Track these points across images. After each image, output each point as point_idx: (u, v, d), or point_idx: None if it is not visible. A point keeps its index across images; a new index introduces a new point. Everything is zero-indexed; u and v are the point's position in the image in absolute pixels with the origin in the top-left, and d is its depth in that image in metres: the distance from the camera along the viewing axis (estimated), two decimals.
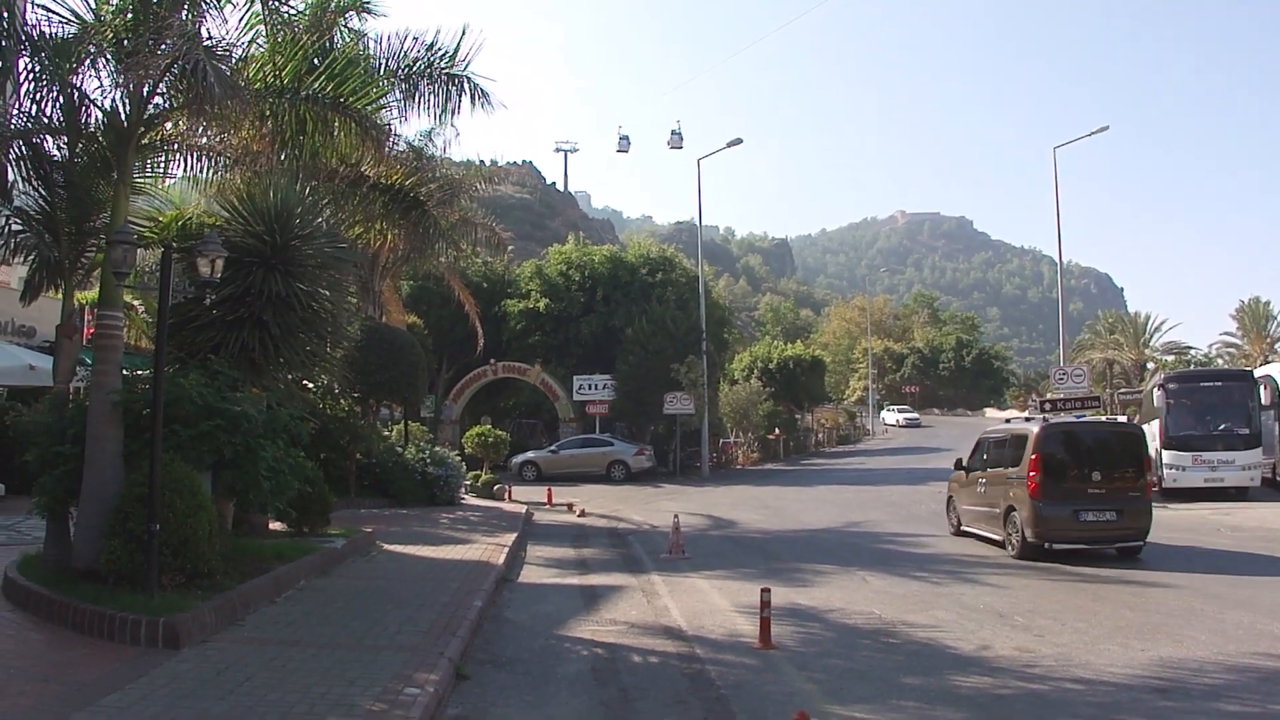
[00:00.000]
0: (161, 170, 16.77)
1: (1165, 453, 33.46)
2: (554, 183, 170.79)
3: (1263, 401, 34.09)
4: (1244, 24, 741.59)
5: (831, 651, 12.03)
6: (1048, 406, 36.13)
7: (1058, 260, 47.46)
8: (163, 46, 12.75)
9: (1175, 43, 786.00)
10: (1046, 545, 20.17)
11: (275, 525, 18.86)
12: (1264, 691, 10.04)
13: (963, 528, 24.26)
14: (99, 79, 14.64)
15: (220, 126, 15.48)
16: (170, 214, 17.21)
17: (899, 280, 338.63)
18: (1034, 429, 21.30)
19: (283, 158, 17.06)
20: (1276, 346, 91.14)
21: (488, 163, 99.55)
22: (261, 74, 15.89)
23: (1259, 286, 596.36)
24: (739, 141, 52.55)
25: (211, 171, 17.27)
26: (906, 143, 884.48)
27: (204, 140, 16.46)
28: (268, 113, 16.11)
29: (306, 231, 15.87)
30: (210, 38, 14.16)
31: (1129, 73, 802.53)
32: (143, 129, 14.37)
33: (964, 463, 24.71)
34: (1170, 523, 27.21)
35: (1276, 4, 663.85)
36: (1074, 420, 24.22)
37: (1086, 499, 20.20)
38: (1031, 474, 20.32)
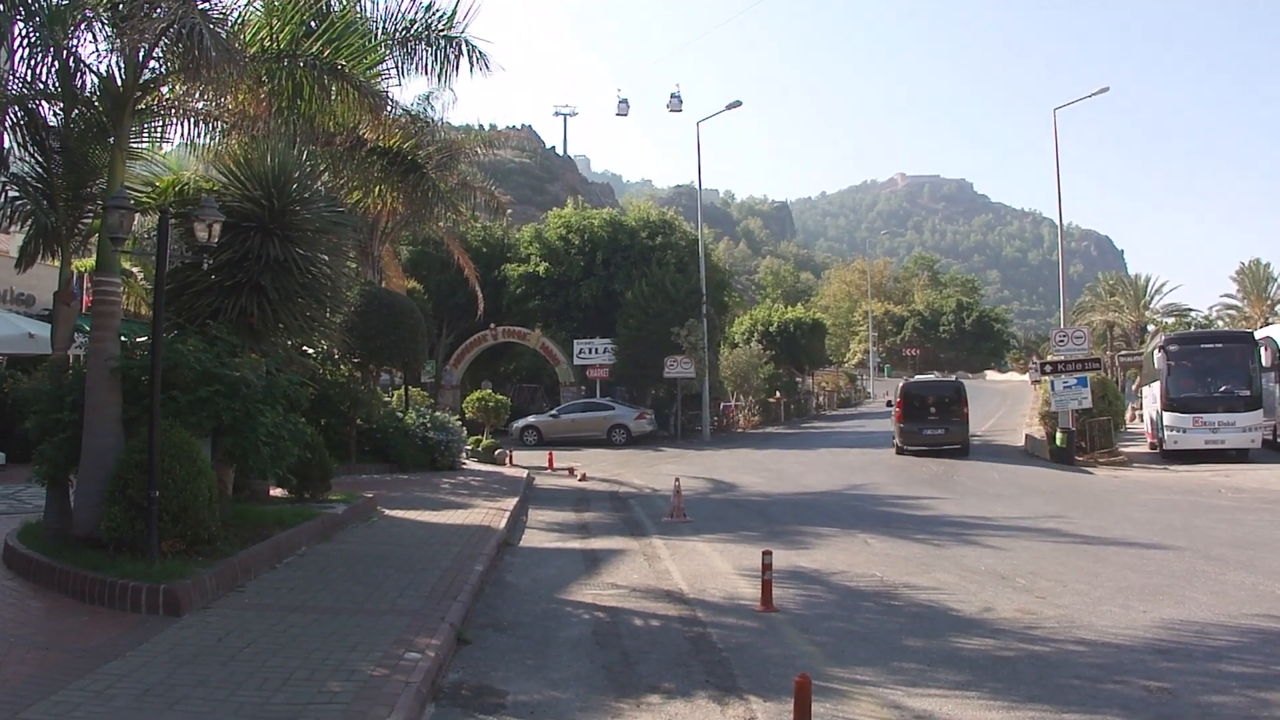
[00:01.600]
0: (158, 135, 16.62)
1: (1166, 414, 33.60)
2: (553, 146, 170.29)
3: (1263, 363, 34.16)
4: None
5: (833, 614, 12.02)
6: (1048, 369, 36.33)
7: (1058, 223, 47.45)
8: (158, 10, 12.64)
9: (1177, 6, 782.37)
10: (904, 448, 37.67)
11: (276, 491, 18.82)
12: (1265, 653, 10.03)
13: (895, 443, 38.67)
14: (94, 43, 14.57)
15: (217, 91, 15.33)
16: (167, 179, 17.09)
17: (899, 243, 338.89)
18: (899, 385, 40.95)
19: (280, 122, 16.93)
20: (1277, 308, 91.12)
21: (487, 127, 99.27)
22: (258, 38, 15.77)
23: (1259, 248, 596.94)
24: (738, 104, 52.45)
25: (208, 136, 17.14)
26: (907, 105, 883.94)
27: (200, 105, 16.32)
28: (264, 77, 15.99)
29: (304, 196, 15.78)
30: (206, 0, 14.05)
31: (1130, 35, 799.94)
32: (139, 94, 14.27)
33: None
34: (1171, 484, 27.34)
35: None
36: (923, 379, 44.24)
37: (926, 421, 37.54)
38: (898, 409, 38.26)
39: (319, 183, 17.67)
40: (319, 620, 10.34)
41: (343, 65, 16.15)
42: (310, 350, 23.20)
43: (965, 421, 37.33)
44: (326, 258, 16.43)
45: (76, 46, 14.43)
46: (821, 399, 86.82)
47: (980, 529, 19.15)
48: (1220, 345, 36.02)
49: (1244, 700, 8.52)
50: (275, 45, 15.79)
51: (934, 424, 37.32)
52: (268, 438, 13.66)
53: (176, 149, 18.72)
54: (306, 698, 7.83)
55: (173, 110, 16.08)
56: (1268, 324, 68.03)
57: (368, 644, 9.39)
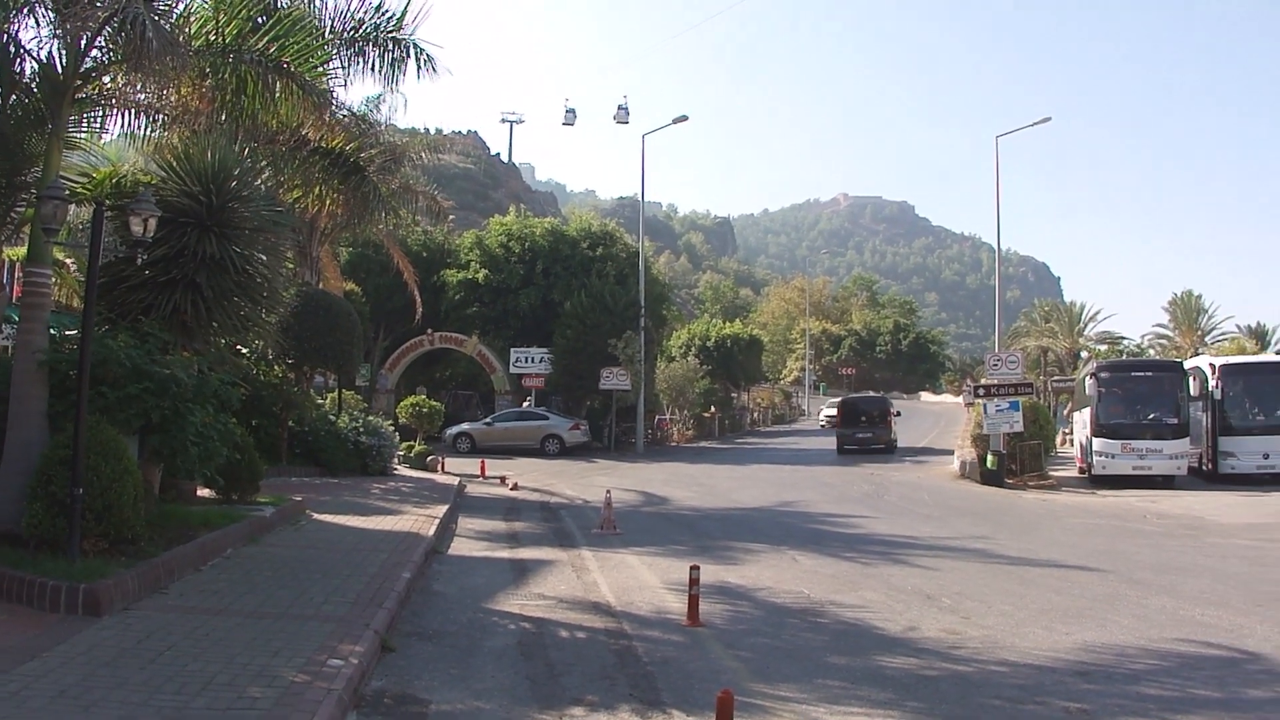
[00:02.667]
0: (97, 126, 16.42)
1: (1095, 440, 34.08)
2: (498, 153, 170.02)
3: (1191, 392, 34.74)
4: (1184, 21, 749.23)
5: (759, 630, 12.03)
6: (981, 392, 36.66)
7: (996, 248, 47.74)
8: None
9: (1118, 38, 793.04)
10: (843, 447, 48.96)
11: (203, 492, 18.62)
12: (1183, 676, 10.12)
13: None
14: (36, 28, 14.35)
15: (159, 83, 15.16)
16: (104, 171, 16.92)
17: (839, 262, 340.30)
18: (838, 400, 61.54)
19: (222, 118, 16.76)
20: (1207, 339, 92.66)
21: (433, 131, 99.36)
22: (203, 31, 15.61)
23: (1191, 280, 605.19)
24: (684, 119, 52.68)
25: (149, 129, 16.92)
26: (851, 127, 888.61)
27: (142, 97, 16.13)
28: (208, 71, 15.83)
29: (244, 193, 15.68)
30: None
31: (1073, 66, 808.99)
32: (79, 82, 14.10)
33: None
34: (1098, 509, 27.64)
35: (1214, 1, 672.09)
36: (857, 395, 63.31)
37: (859, 427, 49.66)
38: (838, 417, 51.69)
39: (259, 181, 17.55)
40: (242, 624, 10.22)
41: (288, 63, 16.02)
42: (244, 350, 23.02)
43: (889, 428, 50.28)
44: (264, 257, 16.31)
45: (17, 31, 14.27)
46: (757, 415, 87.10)
47: (909, 548, 19.24)
48: (1150, 373, 36.69)
49: None
50: (220, 39, 15.64)
51: (865, 429, 50.07)
52: (196, 437, 13.52)
53: (116, 140, 18.52)
54: (226, 703, 7.73)
55: (113, 101, 15.89)
56: (1197, 354, 69.06)
57: (291, 649, 9.29)
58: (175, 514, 14.98)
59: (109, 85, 15.45)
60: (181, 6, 15.36)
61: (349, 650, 9.39)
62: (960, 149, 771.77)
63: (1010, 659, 10.65)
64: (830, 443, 52.36)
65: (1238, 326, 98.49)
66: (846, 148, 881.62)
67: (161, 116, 16.80)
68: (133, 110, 16.36)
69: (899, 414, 54.67)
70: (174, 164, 15.44)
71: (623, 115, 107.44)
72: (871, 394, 71.26)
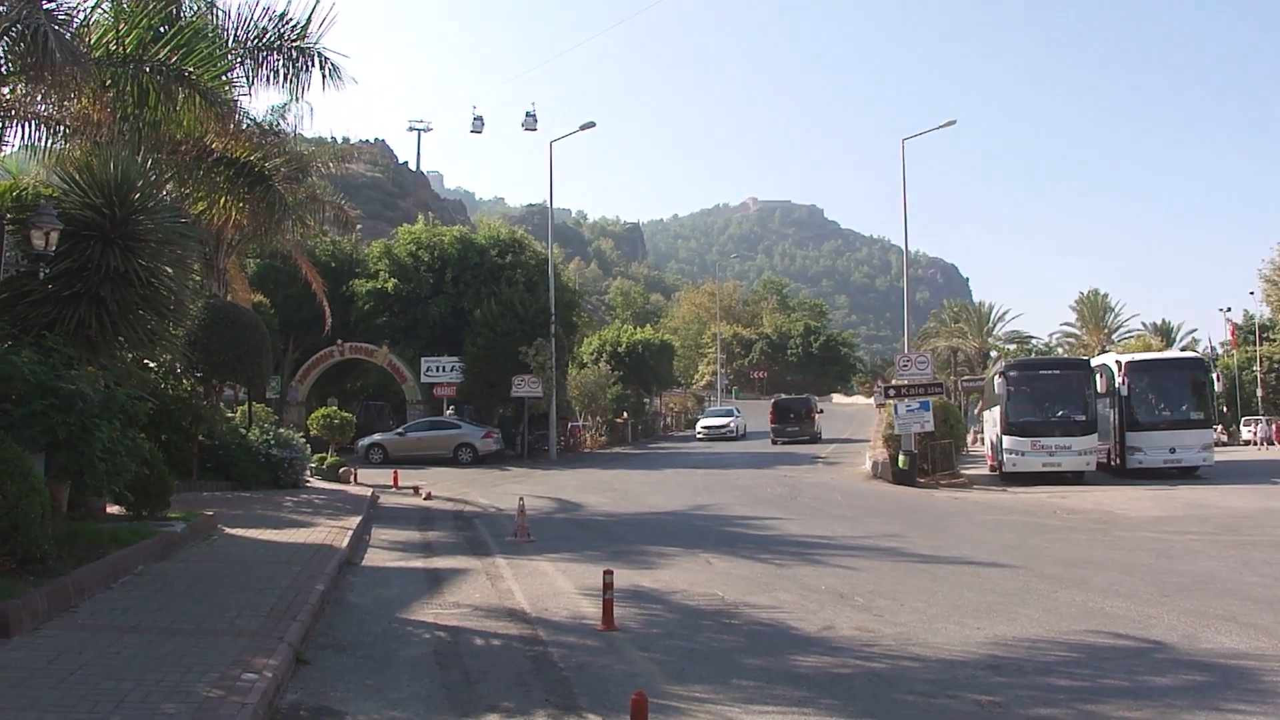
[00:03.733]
0: None
1: (1005, 438, 34.69)
2: (406, 162, 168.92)
3: (1099, 389, 35.37)
4: (1088, 24, 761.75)
5: (674, 633, 12.06)
6: (892, 393, 37.09)
7: (904, 250, 48.28)
8: (1, 8, 12.32)
9: (1021, 42, 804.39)
10: (775, 440, 59.36)
11: (113, 509, 18.32)
12: (1093, 667, 10.29)
13: None
14: None
15: (60, 94, 14.99)
16: (4, 184, 16.66)
17: (749, 267, 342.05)
18: (771, 401, 68.59)
19: (125, 129, 16.58)
20: (1114, 336, 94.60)
21: (340, 140, 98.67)
22: (103, 41, 15.45)
23: (1098, 279, 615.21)
24: (592, 125, 52.68)
25: (50, 141, 16.73)
26: (760, 131, 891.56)
27: (43, 108, 15.95)
28: (109, 82, 15.66)
29: (148, 205, 15.48)
30: (52, 1, 13.72)
31: (978, 69, 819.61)
32: None
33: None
34: (1009, 505, 28.06)
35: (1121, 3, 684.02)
36: (787, 397, 74.14)
37: (789, 422, 61.41)
38: (771, 415, 62.40)
39: (163, 192, 17.34)
40: (155, 641, 10.09)
41: (190, 72, 15.91)
42: (151, 364, 22.73)
43: (814, 422, 63.23)
44: (170, 269, 16.12)
45: None
46: (669, 420, 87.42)
47: (822, 549, 19.40)
48: (1058, 372, 37.47)
49: (1071, 713, 8.74)
50: (121, 49, 15.50)
51: (793, 423, 62.17)
52: (104, 453, 13.34)
53: (16, 153, 18.25)
54: None
55: (13, 112, 15.68)
56: (1104, 351, 70.51)
57: (204, 665, 9.19)
58: (84, 532, 14.75)
59: (8, 96, 15.26)
60: (81, 16, 15.18)
61: (263, 664, 9.31)
62: (868, 152, 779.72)
63: (923, 655, 10.76)
64: (743, 446, 53.88)
65: (1144, 324, 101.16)
66: (755, 152, 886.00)
67: (63, 128, 16.62)
68: (33, 122, 16.17)
69: (822, 411, 69.25)
70: (76, 176, 15.23)
71: (531, 122, 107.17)
72: (798, 396, 78.40)
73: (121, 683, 8.53)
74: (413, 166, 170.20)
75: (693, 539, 20.79)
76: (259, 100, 54.76)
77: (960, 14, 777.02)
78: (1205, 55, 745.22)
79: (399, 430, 49.19)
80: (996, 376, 37.34)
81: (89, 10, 15.48)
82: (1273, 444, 61.77)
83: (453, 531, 22.65)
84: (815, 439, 60.85)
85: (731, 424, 69.78)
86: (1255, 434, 64.58)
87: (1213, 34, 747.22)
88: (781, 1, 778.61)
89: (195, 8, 18.45)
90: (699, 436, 69.96)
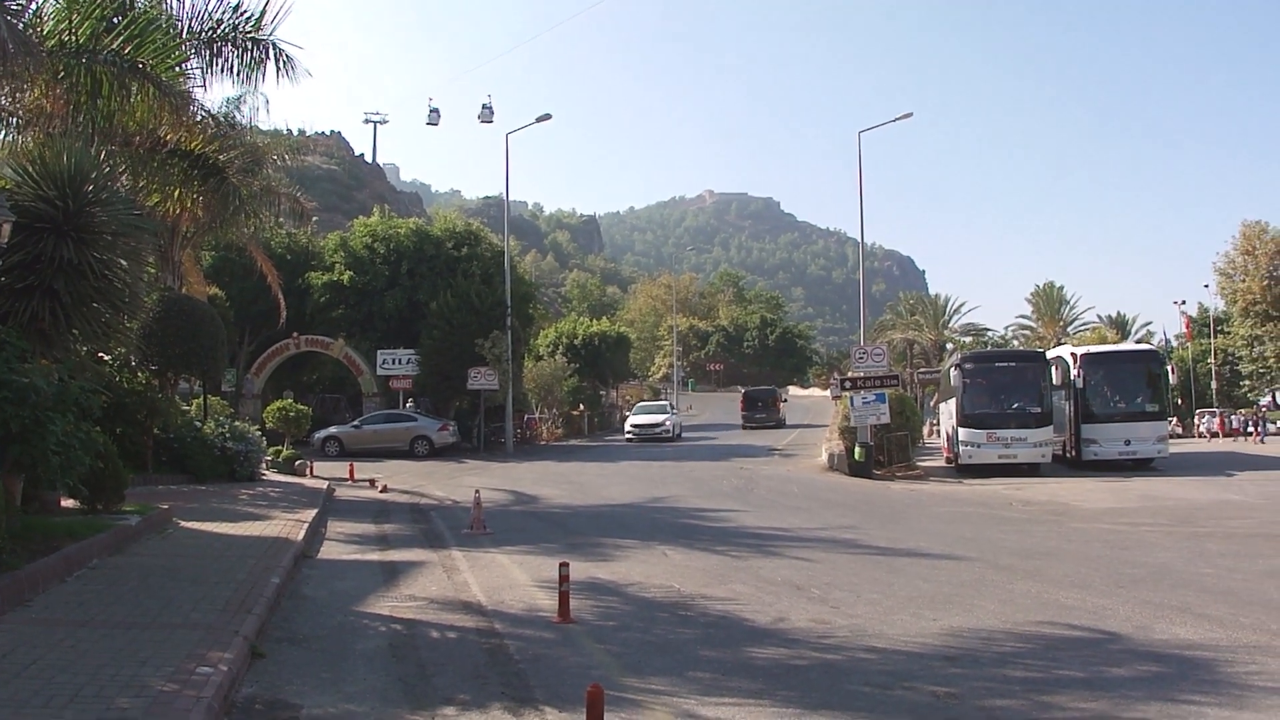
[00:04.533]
0: None
1: (961, 430, 34.93)
2: (362, 154, 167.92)
3: (1054, 381, 35.80)
4: (1041, 21, 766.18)
5: (629, 625, 12.14)
6: (848, 385, 37.27)
7: (860, 242, 48.49)
8: None
9: (975, 36, 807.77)
10: (745, 426, 70.15)
11: (67, 502, 18.21)
12: (1048, 657, 10.40)
13: None
14: None
15: (12, 85, 14.88)
16: None
17: (706, 259, 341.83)
18: (742, 393, 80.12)
19: (78, 120, 16.48)
20: (1069, 329, 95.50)
21: (296, 132, 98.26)
22: (56, 31, 15.35)
23: (1053, 272, 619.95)
24: (548, 117, 52.56)
25: (3, 132, 16.61)
26: (716, 123, 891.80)
27: None
28: (62, 73, 15.55)
29: (102, 197, 15.37)
30: None
31: (934, 62, 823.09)
32: None
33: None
34: (965, 497, 28.29)
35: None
36: (755, 388, 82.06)
37: (758, 410, 72.23)
38: (742, 404, 74.67)
39: (117, 184, 17.24)
40: (109, 635, 10.06)
41: (144, 63, 15.83)
42: (106, 357, 22.59)
43: (779, 410, 73.50)
44: (124, 262, 16.03)
45: None
46: (625, 412, 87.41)
47: (778, 541, 19.49)
48: (1014, 364, 37.83)
49: (1026, 703, 8.84)
50: (74, 40, 15.40)
51: (760, 411, 71.97)
52: (58, 447, 13.24)
53: None
54: (95, 714, 7.61)
55: None
56: (1060, 344, 71.14)
57: (159, 659, 9.17)
58: (38, 525, 14.67)
59: None
60: (34, 6, 15.07)
61: (218, 657, 9.30)
62: (824, 145, 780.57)
63: (879, 646, 10.85)
64: (699, 438, 55.02)
65: (1099, 316, 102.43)
66: (712, 144, 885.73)
67: (14, 119, 16.49)
68: None
69: (786, 400, 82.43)
70: (29, 168, 15.11)
71: (487, 114, 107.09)
72: (765, 387, 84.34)
73: (76, 677, 8.50)
74: (369, 159, 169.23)
75: (649, 531, 20.86)
76: (214, 92, 54.51)
77: (917, 6, 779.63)
78: (1160, 48, 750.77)
79: (355, 423, 48.98)
80: (952, 369, 37.57)
81: (41, 1, 15.40)
82: (1217, 435, 62.55)
83: (409, 524, 22.65)
84: (780, 424, 70.49)
85: (667, 423, 60.19)
86: (1204, 427, 65.40)
87: (1168, 26, 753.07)
88: None
89: None
90: (628, 437, 60.97)
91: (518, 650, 10.67)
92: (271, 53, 19.51)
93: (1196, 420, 69.33)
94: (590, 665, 10.05)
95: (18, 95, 15.74)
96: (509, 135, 54.40)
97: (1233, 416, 66.57)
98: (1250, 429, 60.24)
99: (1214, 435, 62.20)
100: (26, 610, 11.05)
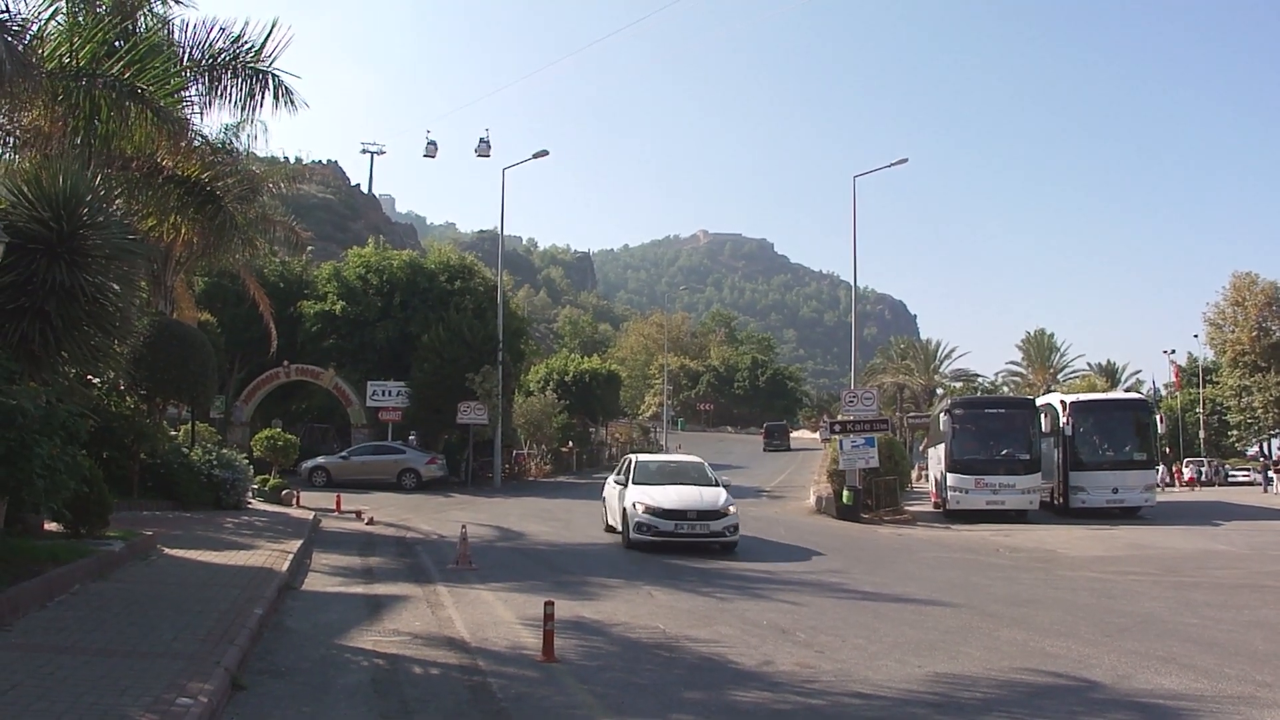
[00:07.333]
0: None
1: (950, 475, 34.96)
2: (358, 184, 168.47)
3: (1043, 429, 35.88)
4: (1039, 63, 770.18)
5: (613, 665, 12.05)
6: (837, 428, 37.31)
7: (853, 285, 48.51)
8: None
9: (974, 81, 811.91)
10: (767, 449, 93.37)
11: (51, 526, 18.13)
12: (1033, 705, 10.38)
13: None
14: None
15: (11, 106, 14.87)
16: None
17: (698, 299, 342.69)
18: (764, 427, 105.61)
19: (75, 142, 16.47)
20: (1059, 376, 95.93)
21: (292, 160, 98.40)
22: (57, 53, 15.35)
23: (1044, 319, 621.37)
24: (545, 153, 52.82)
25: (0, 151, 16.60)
26: (712, 164, 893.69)
27: None
28: (61, 95, 15.54)
29: (97, 220, 15.33)
30: (4, 10, 13.62)
31: (932, 108, 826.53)
32: None
33: None
34: (952, 543, 28.26)
35: (1069, 47, 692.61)
36: (772, 423, 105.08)
37: (775, 438, 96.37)
38: (764, 434, 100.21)
39: (113, 207, 17.18)
40: (89, 662, 9.97)
41: (144, 89, 15.83)
42: (95, 380, 22.50)
43: (788, 439, 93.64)
44: (116, 286, 15.96)
45: None
46: (615, 450, 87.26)
47: (764, 583, 19.43)
48: (1003, 410, 37.95)
49: None
50: (75, 63, 15.41)
51: (776, 438, 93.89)
52: (43, 470, 13.15)
53: None
54: None
55: None
56: (1050, 391, 71.41)
57: (139, 688, 9.08)
58: (20, 549, 14.57)
59: None
60: (35, 28, 15.07)
61: (198, 688, 9.21)
62: (820, 188, 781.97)
63: (863, 691, 10.79)
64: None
65: (1089, 364, 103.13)
66: (707, 185, 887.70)
67: (12, 139, 16.48)
68: None
69: (792, 433, 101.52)
70: (24, 188, 15.07)
71: (484, 149, 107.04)
72: (778, 422, 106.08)
73: (54, 704, 8.41)
74: (365, 189, 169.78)
75: (635, 570, 20.78)
76: (212, 119, 54.62)
77: (913, 52, 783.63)
78: (1154, 100, 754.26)
79: (343, 454, 48.81)
80: (942, 414, 37.66)
81: (43, 22, 15.41)
82: (1171, 485, 62.81)
83: (394, 558, 22.54)
84: (788, 449, 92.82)
85: (720, 504, 27.39)
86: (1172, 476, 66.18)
87: (1161, 77, 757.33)
88: (736, 36, 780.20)
89: (150, 25, 18.35)
90: (634, 536, 29.96)
91: (500, 689, 10.59)
92: (271, 83, 19.55)
93: (1175, 470, 69.61)
94: (573, 705, 9.98)
95: (15, 116, 15.75)
96: (505, 170, 54.82)
97: (1202, 468, 67.06)
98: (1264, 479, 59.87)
99: (1168, 485, 62.10)
100: (6, 635, 10.95)
